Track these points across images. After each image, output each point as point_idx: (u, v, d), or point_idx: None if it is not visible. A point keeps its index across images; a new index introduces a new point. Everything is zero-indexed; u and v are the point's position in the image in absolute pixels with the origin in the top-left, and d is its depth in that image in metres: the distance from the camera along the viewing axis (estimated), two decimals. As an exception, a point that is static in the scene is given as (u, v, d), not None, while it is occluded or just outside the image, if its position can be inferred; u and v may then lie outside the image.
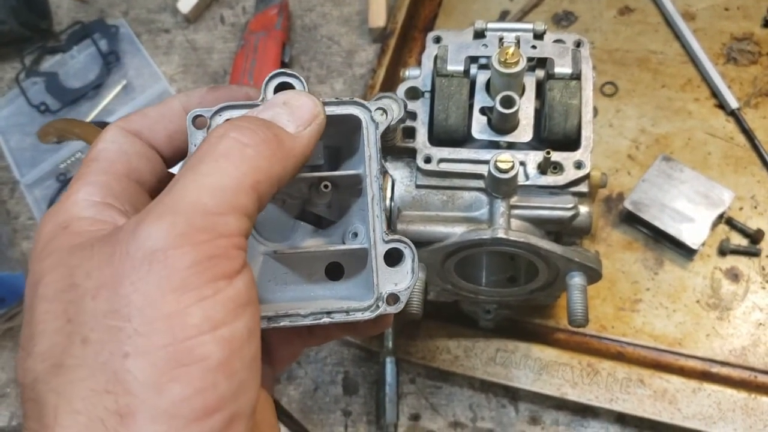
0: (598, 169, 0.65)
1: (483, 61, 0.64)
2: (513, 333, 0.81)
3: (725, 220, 0.85)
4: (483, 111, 0.63)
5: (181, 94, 0.44)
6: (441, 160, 0.62)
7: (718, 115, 0.91)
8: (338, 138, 0.45)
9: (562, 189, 0.62)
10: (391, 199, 0.62)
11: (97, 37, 1.09)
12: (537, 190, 0.62)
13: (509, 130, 0.62)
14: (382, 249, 0.42)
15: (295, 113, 0.40)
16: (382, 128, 0.43)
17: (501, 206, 0.61)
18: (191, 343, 0.31)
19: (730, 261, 0.83)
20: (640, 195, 0.84)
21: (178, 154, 0.44)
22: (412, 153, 0.63)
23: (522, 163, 0.61)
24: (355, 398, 0.85)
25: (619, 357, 0.80)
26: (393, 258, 0.43)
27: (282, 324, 0.41)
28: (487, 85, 0.64)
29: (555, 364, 0.78)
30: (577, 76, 0.62)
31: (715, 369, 0.79)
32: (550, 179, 0.61)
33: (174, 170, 0.43)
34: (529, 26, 0.65)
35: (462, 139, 0.63)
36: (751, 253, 0.83)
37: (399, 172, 0.64)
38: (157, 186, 0.43)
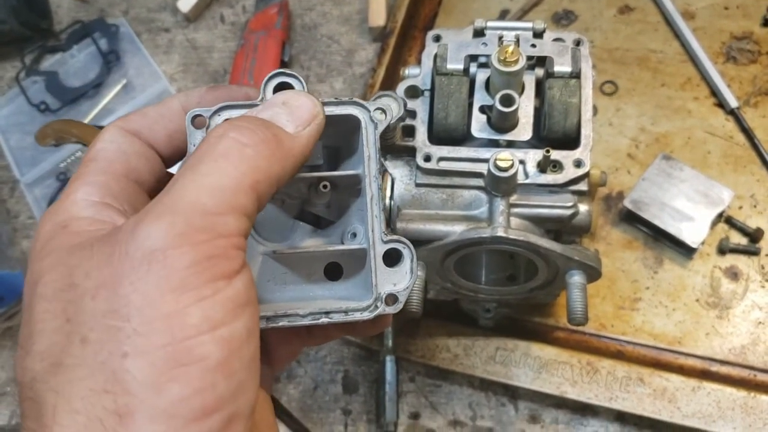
0: (597, 168, 0.65)
1: (483, 59, 0.64)
2: (512, 331, 0.81)
3: (725, 218, 0.85)
4: (482, 109, 0.63)
5: (180, 93, 0.44)
6: (441, 159, 0.62)
7: (717, 114, 0.91)
8: (337, 138, 0.45)
9: (562, 187, 0.62)
10: (391, 197, 0.62)
11: (97, 36, 1.09)
12: (536, 188, 0.62)
13: (509, 129, 0.62)
14: (380, 249, 0.42)
15: (294, 113, 0.40)
16: (381, 128, 0.43)
17: (500, 205, 0.61)
18: (190, 343, 0.31)
19: (730, 260, 0.83)
20: (640, 194, 0.84)
21: (177, 153, 0.44)
22: (411, 151, 0.63)
23: (521, 162, 0.61)
24: (354, 397, 0.85)
25: (619, 355, 0.80)
26: (392, 258, 0.43)
27: (281, 324, 0.41)
28: (487, 84, 0.64)
29: (554, 362, 0.78)
30: (576, 75, 0.62)
31: (715, 368, 0.79)
32: (549, 178, 0.61)
33: (173, 170, 0.43)
34: (529, 25, 0.65)
35: (462, 137, 0.63)
36: (751, 251, 0.83)
37: (399, 170, 0.64)
38: (156, 186, 0.43)
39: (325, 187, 0.44)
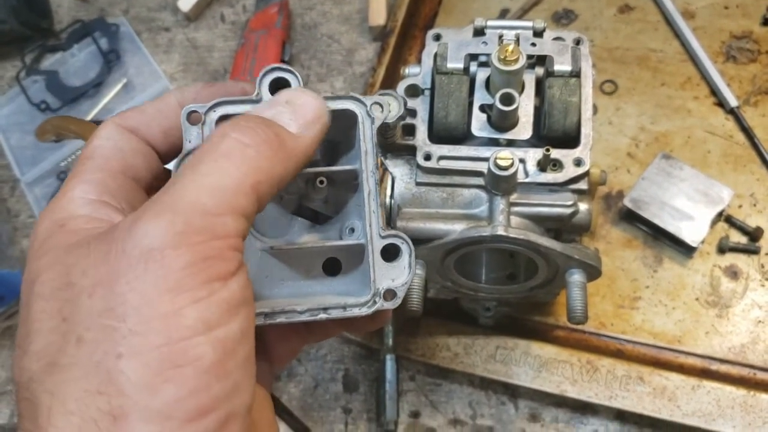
0: (597, 167, 0.65)
1: (483, 58, 0.64)
2: (512, 330, 0.81)
3: (724, 217, 0.85)
4: (483, 108, 0.63)
5: (176, 89, 0.44)
6: (441, 158, 0.62)
7: (717, 113, 0.91)
8: (335, 133, 0.45)
9: (562, 186, 0.62)
10: (391, 196, 0.62)
11: (98, 35, 1.09)
12: (536, 187, 0.62)
13: (509, 128, 0.63)
14: (378, 244, 0.42)
15: (298, 112, 0.39)
16: (378, 123, 0.43)
17: (501, 203, 0.61)
18: (185, 345, 0.31)
19: (730, 259, 0.83)
20: (640, 193, 0.84)
21: (174, 150, 0.44)
22: (412, 150, 0.63)
23: (521, 161, 0.61)
24: (355, 395, 0.85)
25: (619, 354, 0.80)
26: (390, 253, 0.43)
27: (278, 320, 0.41)
28: (487, 83, 0.64)
29: (554, 361, 0.79)
30: (576, 74, 0.62)
31: (715, 366, 0.79)
32: (549, 176, 0.61)
33: (170, 166, 0.43)
34: (529, 24, 0.65)
35: (462, 136, 0.63)
36: (751, 250, 0.83)
37: (399, 169, 0.64)
38: (153, 182, 0.43)
39: (321, 182, 0.44)
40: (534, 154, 0.61)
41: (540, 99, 0.64)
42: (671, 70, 0.95)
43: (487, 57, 0.63)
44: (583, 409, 0.80)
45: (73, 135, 0.92)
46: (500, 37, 0.64)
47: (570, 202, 0.61)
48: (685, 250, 0.84)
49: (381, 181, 0.46)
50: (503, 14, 1.03)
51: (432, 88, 0.64)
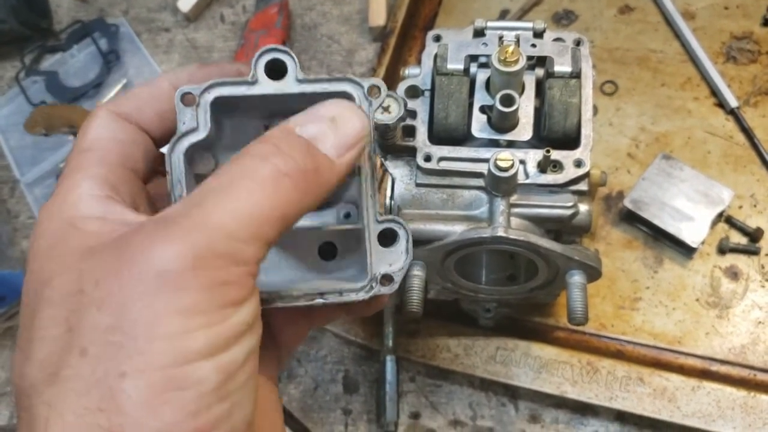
0: (597, 168, 0.65)
1: (483, 59, 0.64)
2: (513, 331, 0.81)
3: (725, 218, 0.85)
4: (483, 109, 0.63)
5: (169, 72, 0.43)
6: (441, 159, 0.62)
7: (717, 113, 0.91)
8: None
9: (562, 187, 0.62)
10: (391, 197, 0.62)
11: (97, 36, 1.09)
12: (537, 188, 0.62)
13: (509, 129, 0.62)
14: (375, 229, 0.42)
15: (341, 134, 0.38)
16: (375, 105, 0.42)
17: (501, 205, 0.61)
18: (189, 368, 0.31)
19: (730, 259, 0.83)
20: (640, 193, 0.84)
21: (169, 133, 0.42)
22: (412, 151, 0.63)
23: (522, 162, 0.61)
24: (355, 397, 0.85)
25: (619, 355, 0.80)
26: (387, 238, 0.42)
27: (275, 305, 0.40)
28: (487, 84, 0.64)
29: (555, 362, 0.78)
30: (576, 75, 0.62)
31: (715, 367, 0.79)
32: (549, 178, 0.61)
33: (164, 150, 0.42)
34: (529, 25, 0.65)
35: (462, 137, 0.63)
36: (751, 251, 0.83)
37: (399, 170, 0.64)
38: (150, 171, 0.42)
39: None
40: (534, 156, 0.61)
41: (540, 100, 0.64)
42: (671, 71, 0.95)
43: (487, 58, 0.63)
44: (584, 410, 0.80)
45: (64, 126, 0.92)
46: (500, 38, 0.64)
47: (570, 204, 0.61)
48: (685, 250, 0.84)
49: (380, 181, 0.45)
50: (503, 15, 1.02)
51: (432, 89, 0.64)
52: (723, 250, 0.83)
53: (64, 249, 0.35)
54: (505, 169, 0.57)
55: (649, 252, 0.85)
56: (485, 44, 0.64)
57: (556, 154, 0.60)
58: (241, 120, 0.44)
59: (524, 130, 0.62)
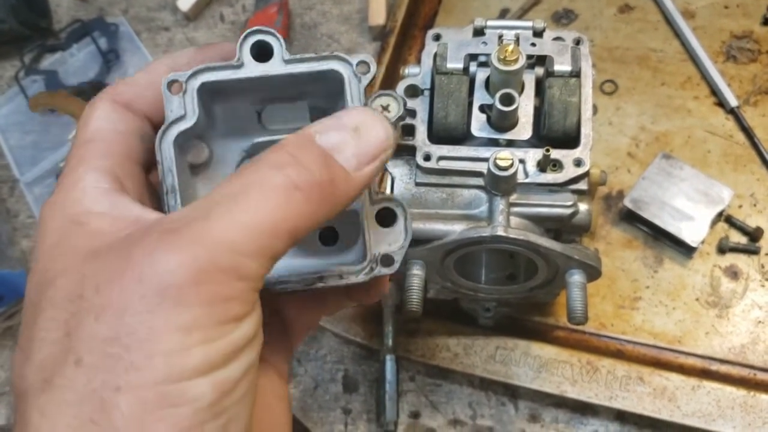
0: (597, 167, 0.65)
1: (482, 58, 0.64)
2: (512, 331, 0.81)
3: (725, 218, 0.85)
4: (482, 109, 0.63)
5: (167, 56, 0.42)
6: (440, 158, 0.62)
7: (717, 113, 0.91)
8: (324, 99, 0.44)
9: (562, 187, 0.62)
10: (391, 196, 0.62)
11: (97, 35, 1.09)
12: (536, 187, 0.62)
13: (509, 128, 0.62)
14: (372, 210, 0.41)
15: (362, 144, 0.36)
16: (365, 82, 0.41)
17: (500, 204, 0.61)
18: (185, 385, 0.30)
19: (730, 259, 0.83)
20: (640, 193, 0.84)
21: None
22: (411, 151, 0.63)
23: (521, 161, 0.61)
24: (355, 396, 0.85)
25: (619, 355, 0.80)
26: (385, 218, 0.42)
27: (274, 289, 0.40)
28: (487, 83, 0.64)
29: (554, 361, 0.78)
30: (576, 74, 0.62)
31: (715, 367, 0.79)
32: (549, 177, 0.61)
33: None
34: (529, 24, 0.65)
35: (461, 136, 0.63)
36: (751, 251, 0.83)
37: (398, 169, 0.64)
38: (152, 159, 0.41)
39: None
40: (534, 155, 0.61)
41: (540, 99, 0.64)
42: (671, 70, 0.95)
43: (486, 57, 0.62)
44: (583, 409, 0.80)
45: (65, 111, 0.92)
46: (500, 37, 0.64)
47: (570, 203, 0.61)
48: (685, 250, 0.84)
49: (380, 180, 0.45)
50: (503, 14, 1.02)
51: (432, 89, 0.64)
52: (723, 249, 0.83)
53: (68, 248, 0.34)
54: (505, 168, 0.57)
55: (649, 251, 0.85)
56: (485, 43, 0.64)
57: (555, 154, 0.60)
58: (233, 107, 0.43)
59: (524, 130, 0.62)
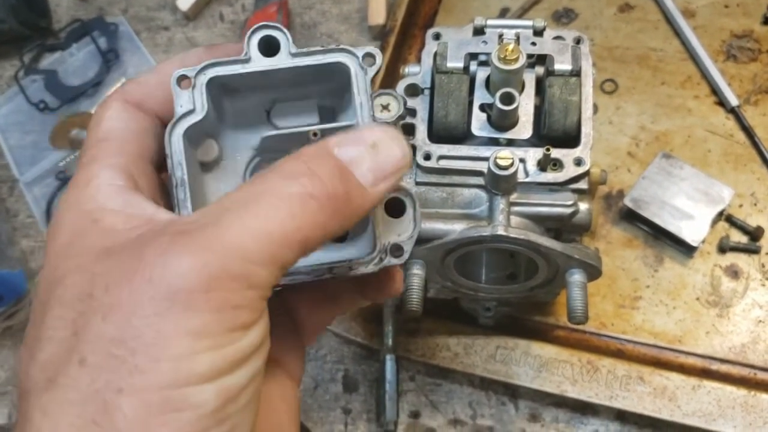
0: (597, 166, 0.65)
1: (483, 58, 0.64)
2: (513, 330, 0.81)
3: (725, 217, 0.85)
4: (483, 108, 0.63)
5: (176, 57, 0.42)
6: (440, 157, 0.62)
7: (717, 112, 0.91)
8: (331, 98, 0.44)
9: (562, 186, 0.62)
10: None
11: (97, 34, 1.09)
12: (537, 187, 0.62)
13: (509, 127, 0.62)
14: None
15: (379, 161, 0.36)
16: (371, 74, 0.41)
17: (501, 203, 0.61)
18: (190, 390, 0.30)
19: (730, 258, 0.83)
20: (640, 192, 0.84)
21: None
22: (412, 150, 0.63)
23: (522, 160, 0.61)
24: (355, 396, 0.85)
25: (619, 354, 0.80)
26: (394, 209, 0.41)
27: (283, 282, 0.40)
28: (487, 82, 0.64)
29: (555, 361, 0.78)
30: (576, 73, 0.62)
31: (715, 366, 0.79)
32: (549, 176, 0.61)
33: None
34: (529, 23, 0.65)
35: (462, 136, 0.63)
36: (751, 250, 0.83)
37: (398, 169, 0.64)
38: (163, 159, 0.41)
39: (315, 135, 0.42)
40: (534, 154, 0.61)
41: (540, 98, 0.64)
42: (671, 69, 0.95)
43: (487, 56, 0.62)
44: (584, 409, 0.80)
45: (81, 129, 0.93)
46: (500, 36, 0.64)
47: (570, 202, 0.61)
48: (685, 249, 0.83)
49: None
50: (503, 13, 1.02)
51: (432, 88, 0.64)
52: (723, 248, 0.83)
53: (80, 247, 0.34)
54: (505, 168, 0.57)
55: (649, 251, 0.85)
56: (485, 42, 0.64)
57: (556, 153, 0.60)
58: (242, 105, 0.43)
59: (524, 129, 0.62)
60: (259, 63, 0.40)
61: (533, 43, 0.63)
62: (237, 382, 0.32)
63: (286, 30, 0.40)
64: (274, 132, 0.42)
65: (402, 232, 0.41)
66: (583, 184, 0.62)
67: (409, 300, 0.61)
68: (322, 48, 0.41)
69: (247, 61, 0.40)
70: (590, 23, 0.99)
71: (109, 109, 0.40)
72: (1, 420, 0.89)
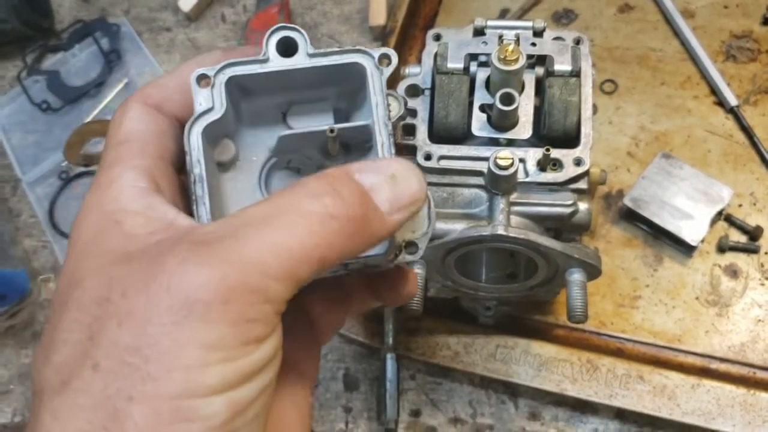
0: (597, 166, 0.65)
1: (483, 58, 0.64)
2: (513, 329, 0.81)
3: (724, 217, 0.85)
4: (483, 108, 0.64)
5: (193, 60, 0.42)
6: (441, 157, 0.63)
7: (717, 112, 0.92)
8: (346, 101, 0.45)
9: (562, 186, 0.62)
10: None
11: (99, 35, 1.09)
12: (536, 187, 0.62)
13: (509, 128, 0.63)
14: None
15: (397, 192, 0.36)
16: (387, 74, 0.41)
17: (501, 203, 0.61)
18: (200, 402, 0.30)
19: (729, 258, 0.84)
20: (640, 192, 0.84)
21: None
22: (412, 150, 0.63)
23: (522, 160, 0.61)
24: (355, 394, 0.85)
25: (619, 353, 0.80)
26: None
27: None
28: (487, 83, 0.64)
29: (554, 360, 0.79)
30: (576, 74, 0.62)
31: (714, 365, 0.79)
32: (549, 176, 0.61)
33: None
34: (529, 24, 0.65)
35: (462, 136, 0.64)
36: (750, 249, 0.83)
37: (399, 169, 0.64)
38: (183, 161, 0.41)
39: (332, 131, 0.42)
40: (534, 154, 0.62)
41: (540, 99, 0.64)
42: (671, 70, 0.95)
43: (487, 57, 0.63)
44: (583, 407, 0.80)
45: (97, 137, 0.94)
46: (500, 36, 0.64)
47: (570, 202, 0.62)
48: (685, 249, 0.84)
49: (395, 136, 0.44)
50: (503, 14, 1.03)
51: (432, 88, 0.65)
52: (723, 248, 0.83)
53: (100, 248, 0.34)
54: (505, 168, 0.58)
55: (648, 250, 0.85)
56: (485, 43, 0.64)
57: (555, 153, 0.61)
58: (259, 107, 0.44)
59: (524, 129, 0.63)
60: (278, 63, 0.41)
61: (533, 44, 0.64)
62: (247, 395, 0.32)
63: (303, 31, 0.41)
64: (290, 131, 0.43)
65: (416, 228, 0.41)
66: (582, 184, 0.62)
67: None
68: (338, 49, 0.42)
69: (265, 61, 0.41)
70: (590, 24, 1.00)
71: (130, 111, 0.40)
72: (3, 419, 0.90)
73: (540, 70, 0.64)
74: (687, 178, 0.84)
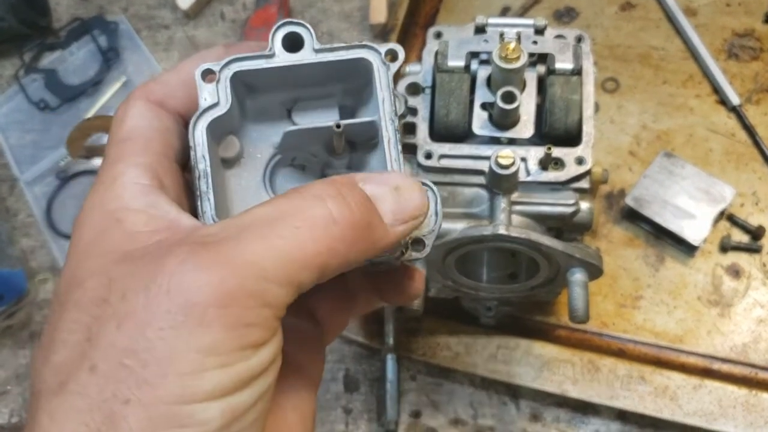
0: (599, 165, 0.65)
1: (484, 56, 0.64)
2: (514, 330, 0.81)
3: (726, 216, 0.84)
4: (484, 107, 0.63)
5: (196, 56, 0.42)
6: (442, 156, 0.62)
7: (719, 111, 0.91)
8: (351, 97, 0.44)
9: (563, 185, 0.61)
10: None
11: (97, 33, 1.08)
12: (538, 186, 0.62)
13: (510, 126, 0.62)
14: None
15: (401, 204, 0.36)
16: (393, 70, 0.41)
17: (502, 202, 0.61)
18: (196, 407, 0.30)
19: (731, 257, 0.83)
20: (642, 191, 0.83)
21: None
22: (412, 149, 0.63)
23: (523, 159, 0.61)
24: (356, 395, 0.85)
25: (620, 354, 0.80)
26: None
27: None
28: (488, 81, 0.64)
29: (556, 360, 0.78)
30: (578, 72, 0.62)
31: (716, 366, 0.79)
32: (551, 175, 0.61)
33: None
34: (530, 22, 0.65)
35: (463, 134, 0.63)
36: (752, 249, 0.83)
37: (399, 168, 0.63)
38: (187, 158, 0.40)
39: (338, 126, 0.42)
40: (535, 153, 0.61)
41: (541, 97, 0.64)
42: (673, 68, 0.94)
43: (488, 55, 0.62)
44: (585, 408, 0.80)
45: (100, 132, 0.93)
46: (501, 35, 0.64)
47: (571, 201, 0.61)
48: (686, 248, 0.83)
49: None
50: (504, 12, 1.02)
51: (433, 86, 0.64)
52: (725, 248, 0.83)
53: (101, 248, 0.34)
54: (506, 167, 0.57)
55: (650, 250, 0.85)
56: (486, 41, 0.64)
57: (557, 152, 0.60)
58: (264, 104, 0.44)
59: (525, 128, 0.62)
60: (284, 58, 0.41)
61: (534, 42, 0.63)
62: (244, 401, 0.32)
63: (310, 27, 0.41)
64: (295, 127, 0.42)
65: (423, 225, 0.41)
66: (584, 183, 0.62)
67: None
68: (345, 44, 0.41)
69: (271, 56, 0.41)
70: (591, 22, 0.99)
71: (132, 108, 0.39)
72: (1, 420, 0.89)
73: (541, 69, 0.64)
74: (689, 178, 0.83)
